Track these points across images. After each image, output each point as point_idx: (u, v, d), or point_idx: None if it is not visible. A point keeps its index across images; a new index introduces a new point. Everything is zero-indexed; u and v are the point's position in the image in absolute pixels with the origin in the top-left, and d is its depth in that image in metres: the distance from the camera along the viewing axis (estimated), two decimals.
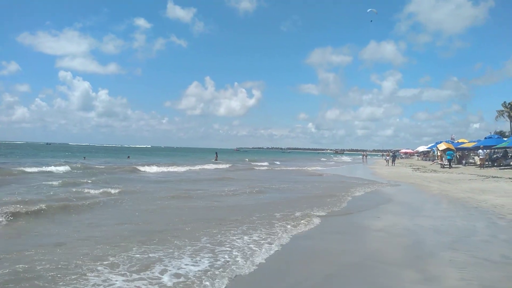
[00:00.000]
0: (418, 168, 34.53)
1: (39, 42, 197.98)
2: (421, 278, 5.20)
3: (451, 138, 47.60)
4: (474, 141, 38.65)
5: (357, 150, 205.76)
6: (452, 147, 36.18)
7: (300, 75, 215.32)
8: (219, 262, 5.75)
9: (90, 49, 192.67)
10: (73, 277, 5.01)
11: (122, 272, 5.24)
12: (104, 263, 5.56)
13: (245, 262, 5.80)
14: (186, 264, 5.63)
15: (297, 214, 9.96)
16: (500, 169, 28.29)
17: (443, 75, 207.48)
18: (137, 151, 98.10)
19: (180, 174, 25.87)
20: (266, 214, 9.98)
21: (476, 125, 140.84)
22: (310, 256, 6.45)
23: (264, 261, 5.93)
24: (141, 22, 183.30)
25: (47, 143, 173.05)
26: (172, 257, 5.97)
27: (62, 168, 23.89)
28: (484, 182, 18.97)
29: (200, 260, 5.84)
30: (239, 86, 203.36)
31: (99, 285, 4.80)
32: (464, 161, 37.81)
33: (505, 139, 36.26)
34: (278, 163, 50.17)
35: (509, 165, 29.69)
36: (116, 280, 4.93)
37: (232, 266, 5.59)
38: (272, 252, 6.44)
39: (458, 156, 39.04)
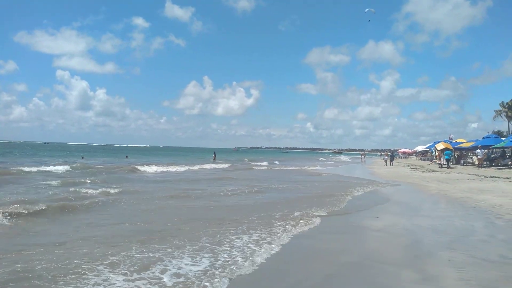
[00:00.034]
0: (416, 168, 34.62)
1: (36, 41, 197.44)
2: (419, 278, 5.23)
3: (449, 138, 47.70)
4: (472, 141, 38.74)
5: (355, 150, 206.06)
6: (450, 147, 36.27)
7: (298, 75, 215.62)
8: (219, 262, 5.77)
9: (88, 48, 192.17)
10: (73, 276, 5.03)
11: (123, 271, 5.26)
12: (105, 262, 5.57)
13: (245, 262, 5.81)
14: (186, 264, 5.65)
15: (297, 214, 9.99)
16: (498, 169, 28.38)
17: (441, 75, 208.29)
18: (136, 151, 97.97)
19: (179, 174, 25.86)
20: (266, 214, 10.01)
21: (474, 125, 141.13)
22: (309, 256, 6.47)
23: (264, 261, 5.94)
24: (139, 21, 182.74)
25: (45, 143, 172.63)
26: (172, 256, 5.98)
27: (61, 168, 23.85)
28: (482, 182, 19.04)
29: (200, 260, 5.86)
30: (237, 86, 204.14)
31: (99, 284, 4.82)
32: (462, 161, 37.91)
33: (503, 139, 36.33)
34: (277, 162, 50.21)
35: (507, 165, 29.79)
36: (117, 280, 4.95)
37: (232, 266, 5.61)
38: (271, 252, 6.46)
39: (456, 156, 39.15)
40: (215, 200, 12.93)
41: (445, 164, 33.38)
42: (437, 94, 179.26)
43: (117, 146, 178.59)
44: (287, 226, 8.44)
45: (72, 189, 13.91)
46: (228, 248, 6.55)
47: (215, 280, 5.04)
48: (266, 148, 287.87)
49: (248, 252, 6.34)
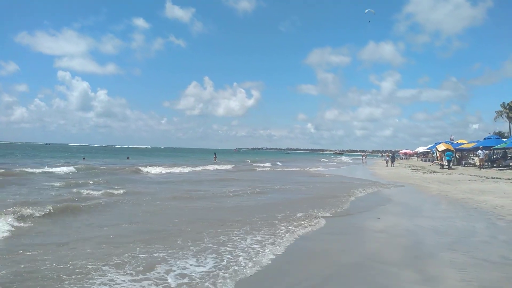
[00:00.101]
0: (417, 169, 34.63)
1: (37, 42, 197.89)
2: (420, 278, 5.26)
3: (450, 139, 47.68)
4: (473, 142, 38.75)
5: (356, 151, 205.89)
6: (451, 148, 36.28)
7: (299, 76, 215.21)
8: (223, 263, 5.83)
9: (89, 49, 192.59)
10: (78, 276, 5.10)
11: (128, 271, 5.33)
12: (110, 263, 5.65)
13: (249, 263, 5.87)
14: (191, 265, 5.73)
15: (299, 215, 10.06)
16: (499, 170, 28.39)
17: (441, 76, 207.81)
18: (137, 152, 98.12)
19: (182, 175, 25.92)
20: (269, 214, 10.08)
21: (475, 126, 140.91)
22: (311, 257, 6.52)
23: (267, 262, 5.99)
24: (139, 22, 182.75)
25: (46, 144, 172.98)
26: (176, 257, 6.06)
27: (63, 169, 23.93)
28: (483, 183, 19.06)
29: (204, 261, 5.93)
30: (238, 86, 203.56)
31: (105, 284, 4.89)
32: (463, 162, 37.91)
33: (504, 139, 36.36)
34: (279, 163, 50.26)
35: (508, 166, 29.79)
36: (122, 280, 5.02)
37: (236, 267, 5.67)
38: (275, 253, 6.52)
39: (457, 157, 39.14)
40: (219, 201, 13.00)
41: (446, 165, 33.39)
42: (438, 94, 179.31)
43: (118, 147, 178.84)
44: (289, 227, 8.49)
45: (75, 190, 13.99)
46: (232, 249, 6.61)
47: (219, 280, 5.10)
48: (267, 149, 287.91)
49: (252, 253, 6.40)
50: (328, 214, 10.35)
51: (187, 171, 29.93)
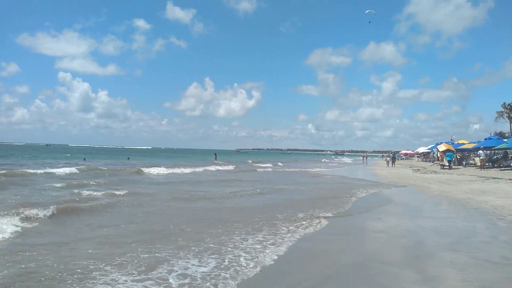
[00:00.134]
0: (418, 169, 34.63)
1: (38, 43, 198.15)
2: (421, 279, 5.27)
3: (451, 139, 47.68)
4: (474, 142, 38.74)
5: (357, 151, 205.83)
6: (452, 148, 36.27)
7: (299, 76, 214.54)
8: (224, 263, 5.86)
9: (90, 50, 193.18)
10: (80, 276, 5.13)
11: (130, 272, 5.36)
12: (113, 263, 5.68)
13: (250, 263, 5.90)
14: (192, 265, 5.76)
15: (300, 215, 10.09)
16: (500, 170, 28.38)
17: (442, 76, 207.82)
18: (138, 153, 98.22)
19: (184, 176, 25.94)
20: (270, 215, 10.13)
21: (476, 126, 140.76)
22: (312, 257, 6.54)
23: (268, 262, 6.01)
24: (140, 23, 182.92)
25: (47, 144, 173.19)
26: (178, 257, 6.09)
27: (65, 170, 23.93)
28: (484, 183, 19.06)
29: (206, 261, 5.96)
30: (239, 87, 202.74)
31: (107, 284, 4.93)
32: (464, 162, 37.91)
33: (505, 140, 36.36)
34: (281, 164, 50.29)
35: (509, 166, 29.77)
36: (125, 280, 5.05)
37: (237, 267, 5.70)
38: (276, 253, 6.54)
39: (458, 157, 39.13)
40: (221, 201, 13.06)
41: (447, 166, 33.39)
42: (439, 95, 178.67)
43: (119, 148, 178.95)
44: (290, 228, 8.52)
45: (77, 191, 14.01)
46: (234, 249, 6.63)
47: (220, 281, 5.12)
48: (267, 149, 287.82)
49: (253, 253, 6.43)
50: (329, 215, 10.36)
51: (188, 171, 29.95)
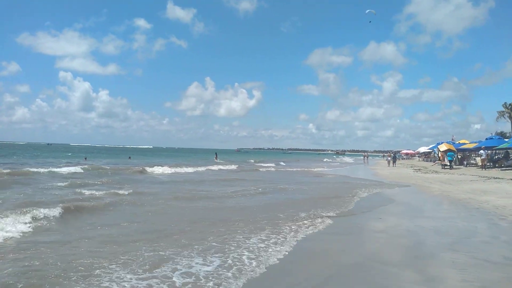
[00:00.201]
0: (419, 169, 34.65)
1: (39, 42, 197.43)
2: (421, 279, 5.30)
3: (452, 139, 47.67)
4: (475, 142, 38.74)
5: (357, 151, 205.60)
6: (453, 148, 36.27)
7: (300, 76, 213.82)
8: (229, 262, 5.93)
9: (90, 49, 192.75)
10: (85, 274, 5.21)
11: (135, 270, 5.44)
12: (119, 262, 5.75)
13: (254, 263, 5.96)
14: (196, 263, 5.83)
15: (302, 215, 10.15)
16: (501, 170, 28.37)
17: (442, 76, 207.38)
18: (138, 152, 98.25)
19: (187, 175, 26.03)
20: (273, 215, 10.19)
21: (477, 126, 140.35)
22: (314, 257, 6.59)
23: (273, 262, 6.06)
24: (141, 22, 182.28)
25: (48, 144, 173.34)
26: (182, 256, 6.16)
27: (70, 169, 24.01)
28: (485, 183, 19.08)
29: (210, 260, 6.03)
30: (239, 87, 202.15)
31: (113, 281, 5.00)
32: (465, 162, 37.90)
33: (506, 140, 36.37)
34: (283, 164, 50.31)
35: (510, 166, 29.75)
36: (130, 278, 5.12)
37: (240, 266, 5.76)
38: (278, 252, 6.59)
39: (459, 157, 39.13)
40: (224, 201, 13.18)
41: (448, 165, 33.41)
42: (439, 95, 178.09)
43: (120, 147, 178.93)
44: (293, 227, 8.58)
45: (81, 190, 14.09)
46: (238, 249, 6.69)
47: (224, 280, 5.19)
48: (268, 149, 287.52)
49: (256, 252, 6.49)
50: (331, 214, 10.42)
51: (191, 171, 30.01)
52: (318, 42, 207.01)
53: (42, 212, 8.97)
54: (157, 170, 27.84)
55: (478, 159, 33.35)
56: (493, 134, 44.06)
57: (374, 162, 65.06)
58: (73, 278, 5.04)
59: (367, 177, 27.09)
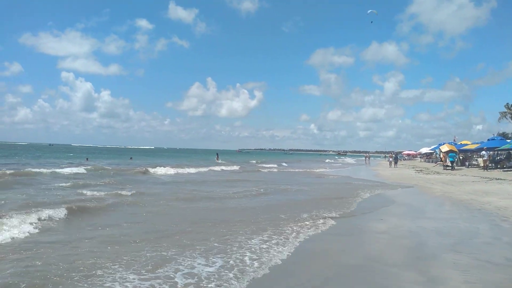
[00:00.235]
0: (421, 170, 34.61)
1: (41, 43, 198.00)
2: (423, 280, 5.30)
3: (454, 140, 47.61)
4: (477, 143, 38.69)
5: (359, 152, 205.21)
6: (454, 149, 36.22)
7: (301, 76, 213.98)
8: (231, 262, 5.95)
9: (92, 50, 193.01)
10: (88, 274, 5.24)
11: (138, 270, 5.46)
12: (122, 262, 5.78)
13: (256, 264, 5.97)
14: (198, 264, 5.86)
15: (305, 216, 10.17)
16: (503, 171, 28.33)
17: (445, 76, 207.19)
18: (140, 152, 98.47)
19: (190, 176, 26.07)
20: (275, 216, 10.21)
21: (479, 127, 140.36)
22: (316, 258, 6.60)
23: (275, 263, 6.07)
24: (143, 23, 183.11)
25: (49, 144, 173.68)
26: (184, 256, 6.18)
27: (72, 170, 24.06)
28: (487, 184, 19.06)
29: (212, 260, 6.06)
30: (241, 87, 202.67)
31: (115, 281, 5.04)
32: (467, 163, 37.85)
33: (508, 140, 36.29)
34: (285, 164, 50.34)
35: None
36: (133, 278, 5.15)
37: (243, 267, 5.78)
38: (280, 253, 6.61)
39: (461, 158, 39.07)
40: (226, 201, 13.22)
41: (449, 166, 33.37)
42: (441, 95, 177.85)
43: (122, 148, 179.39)
44: (295, 228, 8.59)
45: (84, 191, 14.14)
46: (241, 250, 6.71)
47: (226, 281, 5.21)
48: (269, 149, 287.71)
49: (258, 253, 6.50)
50: (333, 215, 10.43)
51: (193, 171, 30.05)
52: (320, 42, 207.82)
53: (45, 212, 9.02)
54: (160, 170, 27.88)
55: (480, 160, 33.30)
56: (495, 135, 44.03)
57: (376, 163, 65.00)
58: (75, 278, 5.08)
59: (369, 178, 27.08)
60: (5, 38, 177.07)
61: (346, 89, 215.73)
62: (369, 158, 76.54)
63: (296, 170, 37.73)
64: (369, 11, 37.41)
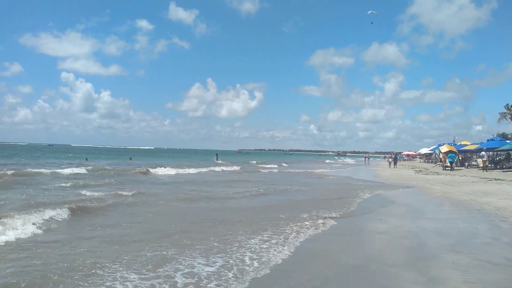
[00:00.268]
0: (420, 170, 34.63)
1: (41, 43, 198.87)
2: (423, 280, 5.32)
3: (453, 140, 47.62)
4: (476, 143, 38.70)
5: (359, 152, 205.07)
6: (454, 149, 36.25)
7: (302, 77, 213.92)
8: (231, 262, 5.97)
9: (93, 50, 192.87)
10: (89, 273, 5.27)
11: (139, 270, 5.49)
12: (122, 262, 5.81)
13: (256, 264, 5.99)
14: (198, 263, 5.88)
15: (304, 216, 10.20)
16: (503, 171, 28.35)
17: (445, 77, 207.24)
18: (140, 153, 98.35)
19: (190, 176, 26.06)
20: (275, 216, 10.23)
21: (479, 127, 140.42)
22: (316, 258, 6.62)
23: (275, 263, 6.09)
24: (143, 23, 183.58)
25: (49, 145, 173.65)
26: (184, 256, 6.21)
27: (70, 170, 24.04)
28: (486, 184, 19.08)
29: (212, 260, 6.08)
30: (241, 88, 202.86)
31: (116, 280, 5.06)
32: (466, 164, 37.87)
33: (508, 141, 36.30)
34: (285, 165, 50.35)
35: (511, 167, 29.76)
36: (134, 278, 5.17)
37: (243, 267, 5.79)
38: (280, 253, 6.63)
39: (460, 158, 39.10)
40: (226, 201, 13.24)
41: (449, 167, 33.40)
42: (441, 96, 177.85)
43: (122, 148, 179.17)
44: (295, 228, 8.61)
45: (84, 191, 14.15)
46: (242, 249, 6.73)
47: (225, 281, 5.23)
48: (269, 150, 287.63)
49: (258, 253, 6.52)
50: (333, 215, 10.45)
51: (194, 172, 30.03)
52: (320, 43, 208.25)
53: (46, 213, 9.01)
54: (160, 171, 27.89)
55: (480, 160, 33.33)
56: (495, 136, 44.03)
57: (375, 164, 65.01)
58: (76, 277, 5.09)
59: (369, 178, 27.11)
60: (6, 38, 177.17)
61: (346, 90, 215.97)
62: (368, 158, 76.51)
63: (296, 171, 37.74)
64: (369, 12, 37.43)
